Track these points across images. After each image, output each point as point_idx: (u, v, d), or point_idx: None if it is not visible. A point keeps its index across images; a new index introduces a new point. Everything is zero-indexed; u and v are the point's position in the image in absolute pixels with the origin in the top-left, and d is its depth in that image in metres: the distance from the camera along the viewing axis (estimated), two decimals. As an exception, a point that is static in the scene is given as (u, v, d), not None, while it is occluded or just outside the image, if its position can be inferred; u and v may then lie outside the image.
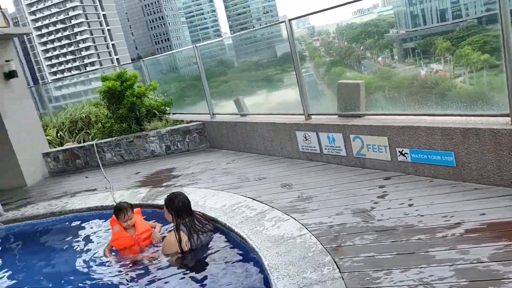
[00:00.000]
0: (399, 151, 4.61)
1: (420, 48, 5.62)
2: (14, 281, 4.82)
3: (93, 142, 8.88)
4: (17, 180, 8.75)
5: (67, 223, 6.23)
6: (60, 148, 9.42)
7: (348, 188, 4.65)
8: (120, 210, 4.67)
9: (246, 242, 4.00)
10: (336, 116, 5.55)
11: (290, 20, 5.57)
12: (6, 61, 8.55)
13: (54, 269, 5.14)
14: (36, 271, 5.09)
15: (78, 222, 6.10)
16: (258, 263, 3.70)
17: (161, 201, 5.61)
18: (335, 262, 3.22)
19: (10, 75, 8.53)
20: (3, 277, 4.99)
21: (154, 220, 5.23)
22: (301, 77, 5.72)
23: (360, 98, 5.04)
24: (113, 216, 4.80)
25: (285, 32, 5.71)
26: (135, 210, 4.88)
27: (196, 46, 7.81)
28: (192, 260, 4.17)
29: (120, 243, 4.65)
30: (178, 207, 4.36)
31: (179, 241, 4.18)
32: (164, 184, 6.43)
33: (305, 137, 5.73)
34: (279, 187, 5.15)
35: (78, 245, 5.38)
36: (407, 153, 4.53)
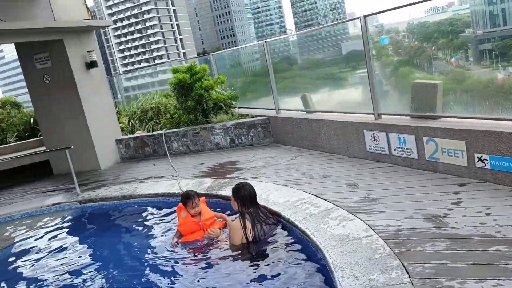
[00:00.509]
0: (477, 157, 4.35)
1: (498, 50, 5.26)
2: (84, 257, 5.16)
3: (162, 132, 9.26)
4: (93, 164, 9.34)
5: (136, 206, 6.56)
6: (131, 135, 9.92)
7: (418, 192, 4.47)
8: (188, 198, 4.83)
9: (309, 239, 3.98)
10: (409, 117, 5.34)
11: (365, 16, 5.44)
12: (88, 51, 9.13)
13: (122, 249, 5.44)
14: (106, 249, 5.41)
15: (146, 207, 6.41)
16: (321, 260, 3.67)
17: (225, 192, 5.76)
18: (404, 267, 3.11)
19: (91, 65, 9.11)
20: (75, 252, 5.35)
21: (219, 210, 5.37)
22: (373, 75, 5.57)
23: (437, 99, 4.81)
24: (180, 204, 4.97)
25: (352, 30, 5.58)
26: (200, 199, 5.04)
27: (265, 41, 7.86)
28: (254, 251, 4.23)
29: (186, 228, 4.81)
30: (244, 196, 4.50)
31: (244, 228, 4.30)
32: (228, 176, 6.56)
33: (374, 137, 5.58)
34: (344, 186, 5.07)
35: (145, 228, 5.65)
36: (487, 160, 4.27)
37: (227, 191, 5.73)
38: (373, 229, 3.79)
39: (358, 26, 5.58)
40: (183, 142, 9.12)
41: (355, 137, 5.98)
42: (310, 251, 3.92)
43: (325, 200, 4.72)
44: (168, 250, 4.68)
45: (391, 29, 6.51)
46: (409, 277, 2.98)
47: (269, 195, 5.26)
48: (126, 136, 9.90)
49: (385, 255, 3.32)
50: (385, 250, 3.39)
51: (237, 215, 4.57)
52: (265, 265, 3.95)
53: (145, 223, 5.83)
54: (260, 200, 5.05)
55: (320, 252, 3.70)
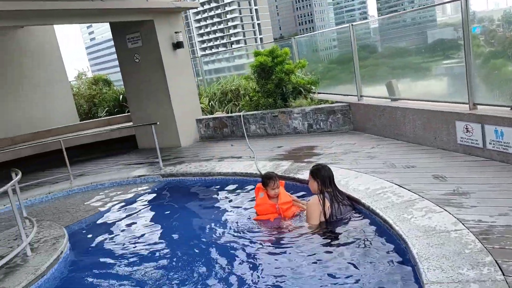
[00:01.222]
0: None
1: None
2: (163, 227, 5.46)
3: (241, 114, 9.44)
4: (174, 141, 9.80)
5: (214, 183, 6.79)
6: (211, 116, 10.23)
7: (515, 189, 4.13)
8: (270, 178, 4.86)
9: (391, 228, 3.86)
10: (509, 108, 4.93)
11: (466, -2, 5.06)
12: (176, 32, 9.51)
13: (199, 222, 5.66)
14: (183, 221, 5.67)
15: (224, 184, 6.60)
16: (403, 250, 3.55)
17: (302, 176, 5.75)
18: (498, 264, 2.91)
19: (178, 45, 9.49)
20: (155, 221, 5.68)
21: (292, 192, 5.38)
22: (470, 62, 5.19)
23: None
24: (259, 184, 5.04)
25: (440, 17, 5.19)
26: (280, 182, 5.04)
27: (352, 24, 7.65)
28: (332, 233, 4.20)
29: (263, 209, 4.87)
30: (324, 176, 4.58)
31: (323, 204, 4.38)
32: (305, 160, 6.54)
33: (467, 128, 5.22)
34: (430, 177, 4.82)
35: (222, 205, 5.83)
36: None
37: (305, 175, 5.71)
38: (462, 223, 3.57)
39: (448, 13, 5.22)
40: (260, 125, 9.23)
41: (445, 128, 5.65)
42: (391, 240, 3.81)
43: (408, 190, 4.53)
44: (242, 227, 4.78)
45: (484, 17, 6.01)
46: (503, 275, 2.78)
47: (348, 181, 5.16)
48: (206, 116, 10.23)
49: (476, 250, 3.12)
50: (476, 246, 3.19)
51: (313, 197, 4.59)
52: (342, 247, 3.90)
53: (222, 200, 6.02)
54: (339, 186, 4.98)
55: (402, 242, 3.58)
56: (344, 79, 8.88)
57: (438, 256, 3.14)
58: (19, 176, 5.01)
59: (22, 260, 4.49)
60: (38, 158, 10.15)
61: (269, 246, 4.27)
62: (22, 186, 7.76)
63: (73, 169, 8.33)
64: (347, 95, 8.39)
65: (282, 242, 4.27)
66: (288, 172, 6.11)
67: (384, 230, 4.01)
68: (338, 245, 3.94)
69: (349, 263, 3.62)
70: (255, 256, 4.08)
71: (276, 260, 3.93)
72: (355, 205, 4.60)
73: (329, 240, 4.07)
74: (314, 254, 3.87)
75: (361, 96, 7.82)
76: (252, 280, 3.62)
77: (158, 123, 7.96)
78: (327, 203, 4.41)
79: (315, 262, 3.73)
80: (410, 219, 3.84)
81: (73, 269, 4.56)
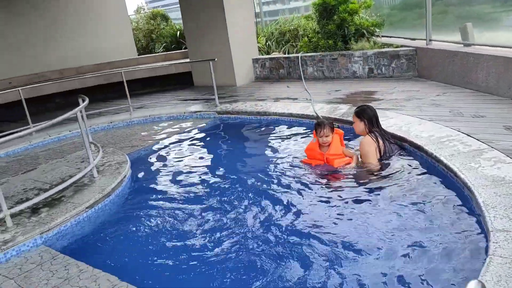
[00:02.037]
0: None
1: None
2: (214, 162, 5.57)
3: (299, 55, 9.19)
4: (229, 79, 9.79)
5: (269, 123, 6.78)
6: (268, 56, 10.05)
7: None
8: (318, 125, 4.60)
9: (455, 176, 3.70)
10: None
11: None
12: (236, -33, 9.20)
13: (250, 160, 5.70)
14: (235, 158, 5.74)
15: (279, 125, 6.57)
16: (467, 198, 3.42)
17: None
18: None
19: (238, -20, 9.21)
20: (208, 156, 5.79)
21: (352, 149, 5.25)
22: None
23: None
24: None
25: None
26: (337, 131, 4.73)
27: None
28: (387, 177, 4.10)
29: (310, 154, 4.70)
30: (370, 115, 4.52)
31: (376, 141, 4.36)
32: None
33: (549, 77, 4.78)
34: (501, 128, 4.52)
35: (274, 144, 5.81)
36: None
37: (354, 112, 5.56)
38: (536, 177, 3.36)
39: None
40: (318, 67, 8.97)
41: (523, 77, 5.21)
42: (453, 188, 3.66)
43: (477, 140, 4.28)
44: (292, 168, 4.74)
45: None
46: None
47: (410, 127, 4.96)
48: (262, 56, 10.07)
49: (549, 204, 2.94)
50: (549, 200, 3.00)
51: (364, 136, 4.50)
52: (398, 191, 3.81)
53: (275, 140, 6.00)
54: (401, 132, 4.82)
55: (467, 191, 3.43)
56: (411, 23, 8.32)
57: (506, 206, 2.99)
58: (87, 101, 5.22)
59: (89, 180, 4.78)
60: (100, 89, 10.56)
61: (319, 188, 4.18)
62: (85, 114, 8.16)
63: (132, 102, 8.60)
64: (414, 39, 7.89)
65: (331, 185, 4.20)
66: (347, 115, 5.95)
67: (447, 178, 3.85)
68: (393, 191, 3.84)
69: (407, 208, 3.54)
70: (300, 199, 4.03)
71: (324, 202, 3.90)
72: (415, 150, 4.45)
73: (383, 184, 3.97)
74: (368, 196, 3.82)
75: (430, 40, 7.32)
76: (294, 221, 3.63)
77: (216, 59, 7.92)
78: (380, 141, 4.39)
79: (366, 208, 3.67)
80: (477, 168, 3.65)
81: (133, 193, 4.81)
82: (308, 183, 4.29)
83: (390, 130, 4.93)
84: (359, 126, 4.57)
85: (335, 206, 3.77)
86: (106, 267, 3.22)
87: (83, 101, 5.28)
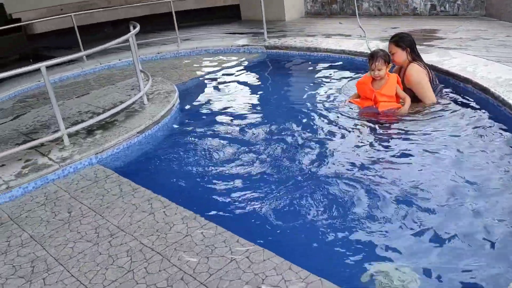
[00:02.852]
0: None
1: None
2: (260, 96, 5.45)
3: (355, -12, 8.61)
4: (278, 14, 9.41)
5: (319, 60, 6.52)
6: (321, -11, 9.51)
7: None
8: (371, 56, 4.11)
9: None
10: None
11: None
12: None
13: (297, 95, 5.51)
14: (281, 93, 5.59)
15: (330, 62, 6.31)
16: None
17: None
18: None
19: None
20: (253, 90, 5.66)
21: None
22: None
23: None
24: None
25: None
26: (417, 69, 4.15)
27: None
28: (445, 121, 3.87)
29: (360, 88, 4.30)
30: (412, 42, 4.19)
31: (425, 66, 4.13)
32: (424, 44, 5.91)
33: None
34: None
35: (324, 81, 5.60)
36: None
37: (424, 58, 5.22)
38: None
39: None
40: (374, 3, 8.42)
41: None
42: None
43: (552, 84, 3.94)
44: (338, 106, 4.52)
45: None
46: None
47: (476, 68, 4.60)
48: (313, -10, 9.54)
49: None
50: None
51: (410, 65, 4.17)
52: (464, 133, 3.59)
53: (325, 76, 5.77)
54: (465, 73, 4.49)
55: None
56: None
57: None
58: (138, 28, 5.16)
59: (139, 107, 4.84)
60: (147, 19, 10.47)
61: (369, 133, 3.98)
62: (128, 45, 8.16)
63: (179, 33, 8.49)
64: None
65: (378, 128, 3.96)
66: (404, 54, 5.60)
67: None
68: (457, 139, 3.60)
69: (471, 151, 3.34)
70: (345, 144, 3.85)
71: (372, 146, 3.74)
72: (479, 93, 4.15)
73: (443, 129, 3.73)
74: (426, 149, 3.60)
75: (505, -26, 6.62)
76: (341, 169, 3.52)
77: (266, -10, 7.56)
78: (427, 69, 4.14)
79: (429, 159, 3.49)
80: (550, 113, 3.37)
81: (181, 122, 4.84)
82: (354, 126, 4.02)
83: (453, 71, 4.61)
84: (401, 56, 4.19)
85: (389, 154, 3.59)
86: (155, 189, 3.30)
87: (134, 27, 5.22)
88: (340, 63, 6.20)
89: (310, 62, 6.55)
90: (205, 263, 2.39)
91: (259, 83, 6.02)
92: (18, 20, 8.90)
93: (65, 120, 4.69)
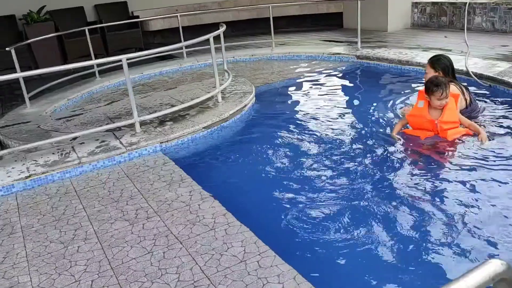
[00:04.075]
0: None
1: None
2: (342, 109, 5.29)
3: (467, 0, 7.92)
4: (381, 24, 9.06)
5: (410, 74, 6.16)
6: (431, 0, 8.92)
7: None
8: (437, 86, 3.58)
9: None
10: None
11: None
12: None
13: (378, 112, 5.24)
14: (362, 108, 5.31)
15: (421, 77, 5.90)
16: None
17: (520, 81, 4.67)
18: None
19: None
20: (336, 102, 5.48)
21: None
22: None
23: None
24: (422, 89, 3.88)
25: None
26: (453, 93, 3.75)
27: None
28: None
29: (416, 121, 3.81)
30: (447, 64, 4.10)
31: (461, 90, 3.93)
32: (530, 65, 5.24)
33: None
34: None
35: (410, 98, 5.24)
36: None
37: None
38: None
39: None
40: (489, 18, 7.65)
41: None
42: None
43: None
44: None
45: None
46: None
47: None
48: (424, 0, 8.98)
49: None
50: None
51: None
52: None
53: (412, 92, 5.41)
54: None
55: None
56: None
57: None
58: (222, 28, 5.42)
59: (213, 104, 5.08)
60: (253, 22, 10.85)
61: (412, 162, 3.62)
62: (231, 45, 8.55)
63: (278, 38, 8.67)
64: None
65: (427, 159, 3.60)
66: (503, 74, 5.04)
67: None
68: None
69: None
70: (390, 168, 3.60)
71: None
72: None
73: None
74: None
75: None
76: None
77: (364, -1, 7.35)
78: (464, 90, 3.98)
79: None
80: None
81: (251, 123, 4.94)
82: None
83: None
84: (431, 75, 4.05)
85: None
86: (201, 182, 3.44)
87: (221, 27, 5.49)
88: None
89: (400, 76, 6.21)
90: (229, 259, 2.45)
91: (339, 93, 5.88)
92: (137, 17, 9.90)
93: (146, 109, 5.15)
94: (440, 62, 4.09)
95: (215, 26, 11.13)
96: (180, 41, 8.59)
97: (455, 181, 3.15)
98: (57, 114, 5.55)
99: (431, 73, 4.06)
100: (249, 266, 2.38)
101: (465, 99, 3.95)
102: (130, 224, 2.93)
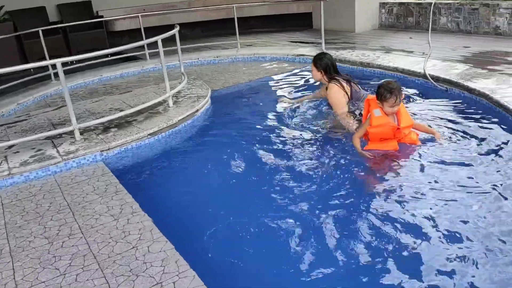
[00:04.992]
0: None
1: None
2: (309, 107, 5.13)
3: (432, 0, 7.89)
4: (349, 25, 8.98)
5: (371, 76, 6.06)
6: (397, 0, 8.88)
7: None
8: (391, 93, 3.35)
9: None
10: None
11: None
12: None
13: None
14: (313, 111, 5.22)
15: (380, 78, 5.80)
16: None
17: (474, 85, 4.61)
18: None
19: None
20: (293, 106, 5.32)
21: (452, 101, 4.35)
22: None
23: None
24: (371, 96, 3.64)
25: None
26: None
27: None
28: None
29: (382, 131, 3.48)
30: (327, 64, 4.34)
31: (341, 86, 4.19)
32: (489, 67, 5.20)
33: None
34: None
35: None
36: None
37: (478, 84, 4.58)
38: None
39: None
40: (453, 18, 7.63)
41: None
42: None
43: None
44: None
45: None
46: None
47: (533, 101, 3.90)
48: (391, 1, 8.93)
49: None
50: None
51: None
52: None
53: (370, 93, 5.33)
54: (516, 105, 3.83)
55: None
56: None
57: None
58: (177, 29, 5.26)
59: (163, 109, 4.89)
60: (223, 23, 10.66)
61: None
62: (196, 46, 8.38)
63: (247, 39, 8.52)
64: None
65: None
66: (459, 77, 4.97)
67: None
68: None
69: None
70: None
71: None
72: None
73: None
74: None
75: None
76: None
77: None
78: (345, 85, 4.22)
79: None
80: None
81: (202, 129, 4.72)
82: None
83: (504, 102, 3.96)
84: (316, 75, 4.45)
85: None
86: (141, 196, 3.24)
87: (174, 28, 5.31)
88: (394, 81, 5.66)
89: (361, 79, 6.07)
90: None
91: (298, 97, 5.73)
92: (101, 17, 9.63)
93: (94, 114, 4.94)
94: (322, 62, 4.37)
95: (184, 26, 10.99)
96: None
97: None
98: (1, 119, 5.29)
99: (314, 71, 4.44)
100: (165, 288, 2.22)
101: (346, 92, 4.22)
102: (49, 242, 2.73)
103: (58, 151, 3.89)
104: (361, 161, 3.51)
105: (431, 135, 3.62)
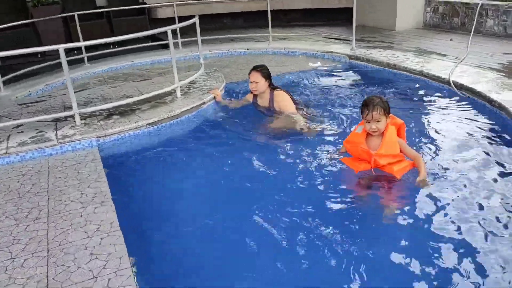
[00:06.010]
0: None
1: None
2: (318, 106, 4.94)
3: (479, 1, 7.29)
4: (389, 22, 8.55)
5: (395, 78, 5.74)
6: (445, -1, 8.31)
7: None
8: (365, 106, 3.00)
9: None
10: None
11: None
12: None
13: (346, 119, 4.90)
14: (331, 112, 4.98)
15: (403, 82, 5.50)
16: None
17: (495, 95, 4.21)
18: None
19: None
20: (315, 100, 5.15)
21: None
22: None
23: None
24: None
25: None
26: (394, 121, 3.12)
27: None
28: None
29: (352, 148, 3.21)
30: (270, 73, 4.56)
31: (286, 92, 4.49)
32: (523, 78, 4.72)
33: None
34: None
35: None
36: None
37: (502, 96, 4.18)
38: None
39: None
40: (501, 21, 7.02)
41: None
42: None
43: None
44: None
45: None
46: None
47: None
48: (438, -1, 8.38)
49: None
50: None
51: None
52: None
53: (391, 97, 5.01)
54: None
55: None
56: None
57: None
58: (195, 19, 5.28)
59: (171, 100, 4.91)
60: (262, 14, 10.53)
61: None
62: (225, 38, 8.34)
63: (282, 32, 8.36)
64: None
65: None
66: (484, 86, 4.56)
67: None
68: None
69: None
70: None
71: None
72: None
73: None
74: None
75: None
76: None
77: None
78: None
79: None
80: None
81: (207, 123, 4.67)
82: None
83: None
84: (264, 85, 4.50)
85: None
86: (120, 186, 3.27)
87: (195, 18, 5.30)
88: (416, 85, 5.33)
89: (386, 81, 5.78)
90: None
91: (312, 95, 5.52)
92: (144, 3, 9.85)
93: (105, 100, 5.05)
94: (268, 72, 4.53)
95: (227, 16, 11.00)
96: (186, 29, 8.51)
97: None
98: (23, 99, 5.56)
99: (262, 81, 4.50)
100: (99, 284, 2.22)
101: (290, 96, 4.52)
102: (15, 224, 2.82)
103: (56, 134, 4.02)
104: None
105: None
